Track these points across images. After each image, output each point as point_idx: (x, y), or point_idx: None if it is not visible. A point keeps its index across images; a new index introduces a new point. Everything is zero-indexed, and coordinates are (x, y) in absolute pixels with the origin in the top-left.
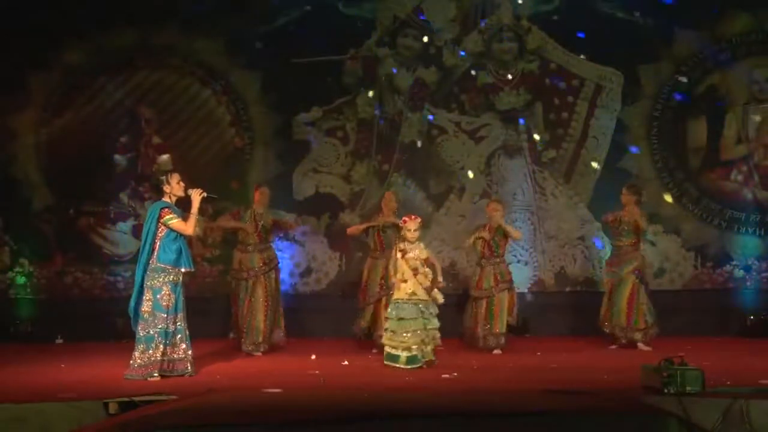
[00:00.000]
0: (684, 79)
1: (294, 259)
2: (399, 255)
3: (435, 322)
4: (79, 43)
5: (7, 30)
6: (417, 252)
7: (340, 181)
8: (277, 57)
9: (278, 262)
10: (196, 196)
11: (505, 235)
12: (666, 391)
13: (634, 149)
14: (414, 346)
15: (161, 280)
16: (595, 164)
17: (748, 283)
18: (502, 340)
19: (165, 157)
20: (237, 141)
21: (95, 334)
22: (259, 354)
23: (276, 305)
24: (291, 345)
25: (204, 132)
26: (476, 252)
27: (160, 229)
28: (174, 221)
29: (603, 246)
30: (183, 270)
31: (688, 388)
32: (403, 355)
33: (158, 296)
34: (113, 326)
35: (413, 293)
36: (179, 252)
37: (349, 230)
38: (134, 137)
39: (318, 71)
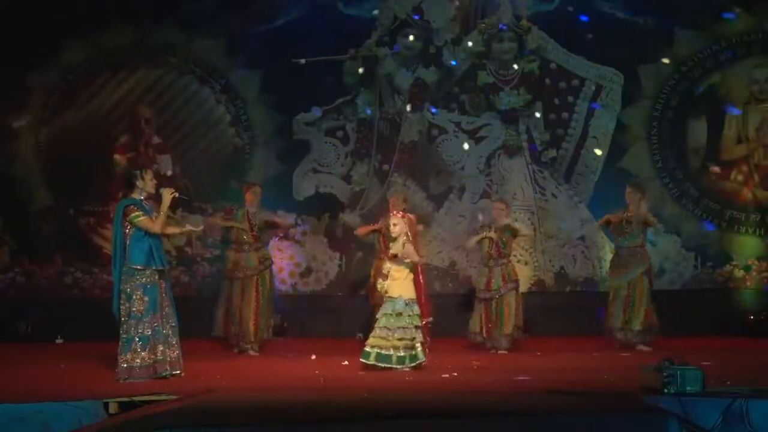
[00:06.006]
0: None
1: (294, 259)
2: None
3: (417, 320)
4: (78, 42)
5: (6, 30)
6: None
7: (340, 181)
8: (277, 57)
9: (272, 263)
10: (167, 194)
11: (513, 234)
12: (666, 391)
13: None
14: (402, 346)
15: (134, 283)
16: (598, 151)
17: (748, 283)
18: (511, 341)
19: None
20: (237, 141)
21: (95, 334)
22: (254, 353)
23: (269, 304)
24: (291, 345)
25: (204, 132)
26: (482, 252)
27: (128, 228)
28: (141, 218)
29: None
30: (155, 269)
31: (688, 388)
32: (395, 354)
33: (131, 301)
34: (113, 326)
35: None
36: (149, 251)
37: (357, 231)
38: (134, 137)
39: (318, 71)
